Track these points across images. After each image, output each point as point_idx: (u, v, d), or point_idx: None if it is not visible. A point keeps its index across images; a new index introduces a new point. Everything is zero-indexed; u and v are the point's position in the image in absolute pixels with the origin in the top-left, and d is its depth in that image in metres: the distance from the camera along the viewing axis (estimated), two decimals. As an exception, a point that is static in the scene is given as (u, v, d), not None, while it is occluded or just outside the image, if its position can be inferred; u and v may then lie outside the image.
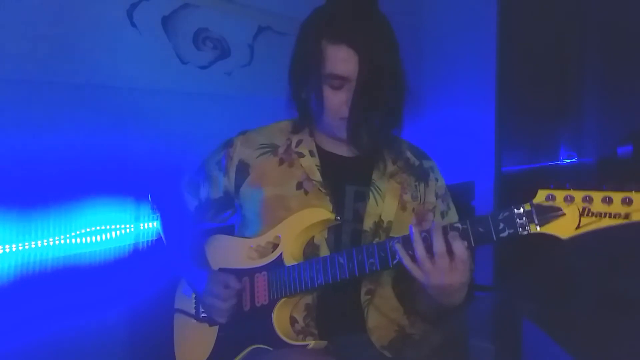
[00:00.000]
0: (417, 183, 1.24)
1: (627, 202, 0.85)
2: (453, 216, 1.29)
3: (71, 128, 1.62)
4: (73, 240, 1.58)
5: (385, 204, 1.19)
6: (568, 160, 4.55)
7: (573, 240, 0.90)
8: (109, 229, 1.68)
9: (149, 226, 1.76)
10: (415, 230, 0.98)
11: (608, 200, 0.87)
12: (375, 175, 1.21)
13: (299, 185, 1.18)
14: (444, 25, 3.38)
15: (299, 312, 1.16)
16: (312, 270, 1.10)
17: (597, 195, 0.88)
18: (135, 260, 1.71)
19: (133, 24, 1.79)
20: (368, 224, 1.18)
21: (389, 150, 1.23)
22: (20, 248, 1.46)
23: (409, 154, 1.26)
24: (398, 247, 1.01)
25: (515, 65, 3.50)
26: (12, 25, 1.49)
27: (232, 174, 1.24)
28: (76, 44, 1.63)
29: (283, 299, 1.14)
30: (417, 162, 1.26)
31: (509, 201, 0.96)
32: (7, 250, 1.43)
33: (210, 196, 1.29)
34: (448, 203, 1.29)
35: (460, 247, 0.95)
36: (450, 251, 0.95)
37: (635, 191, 0.86)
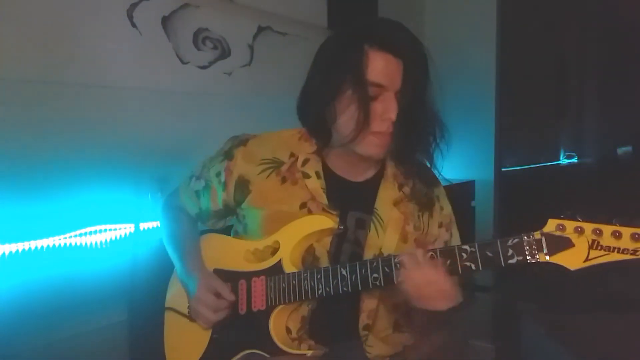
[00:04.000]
0: (420, 213, 1.20)
1: (637, 238, 0.85)
2: (456, 243, 1.25)
3: (71, 128, 1.62)
4: (73, 241, 1.58)
5: (387, 236, 1.15)
6: (568, 160, 4.55)
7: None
8: (108, 229, 1.68)
9: (149, 226, 1.76)
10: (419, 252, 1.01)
11: (617, 235, 0.87)
12: (378, 203, 1.17)
13: (303, 205, 1.15)
14: (444, 26, 3.39)
15: (294, 324, 1.14)
16: (314, 280, 1.08)
17: (607, 229, 0.88)
18: (135, 260, 1.71)
19: (133, 24, 1.79)
20: (368, 255, 1.14)
21: (396, 175, 1.19)
22: (20, 249, 1.46)
23: (417, 180, 1.20)
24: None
25: (515, 65, 3.51)
26: (11, 25, 1.49)
27: (232, 190, 1.19)
28: (76, 44, 1.64)
29: (280, 306, 1.12)
30: (424, 190, 1.21)
31: (509, 201, 0.96)
32: (7, 250, 1.43)
33: (210, 207, 1.26)
34: (452, 231, 1.25)
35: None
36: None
37: None
